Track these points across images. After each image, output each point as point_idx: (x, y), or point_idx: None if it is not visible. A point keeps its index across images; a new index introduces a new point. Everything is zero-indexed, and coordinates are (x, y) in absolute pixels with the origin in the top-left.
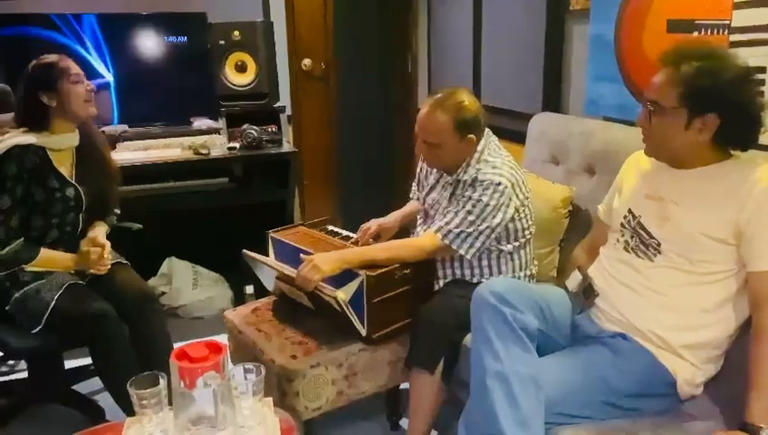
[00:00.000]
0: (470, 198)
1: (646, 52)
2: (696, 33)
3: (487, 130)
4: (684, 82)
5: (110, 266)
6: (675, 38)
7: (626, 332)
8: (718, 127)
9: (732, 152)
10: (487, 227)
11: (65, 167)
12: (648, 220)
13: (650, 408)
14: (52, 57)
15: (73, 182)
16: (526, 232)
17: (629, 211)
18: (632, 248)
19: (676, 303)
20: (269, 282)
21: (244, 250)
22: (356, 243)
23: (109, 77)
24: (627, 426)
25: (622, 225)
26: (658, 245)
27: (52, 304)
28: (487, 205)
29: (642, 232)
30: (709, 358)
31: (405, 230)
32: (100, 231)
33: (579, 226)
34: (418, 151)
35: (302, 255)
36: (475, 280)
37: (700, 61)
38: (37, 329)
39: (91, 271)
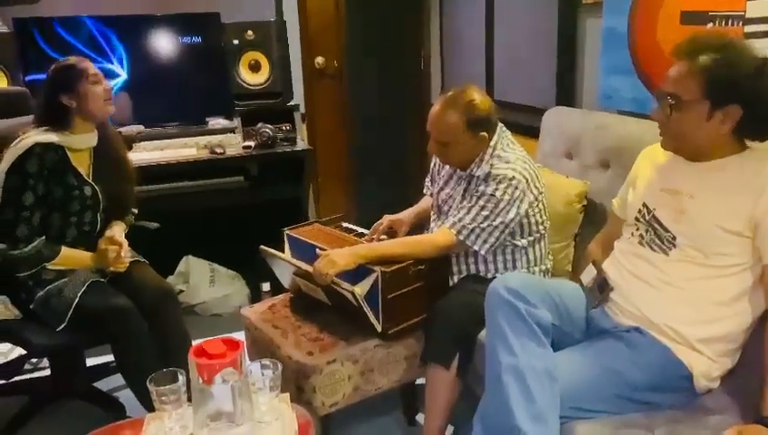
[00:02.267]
0: (484, 193)
1: (660, 44)
2: (710, 25)
3: (500, 125)
4: (704, 73)
5: (128, 265)
6: (689, 30)
7: (641, 326)
8: (739, 118)
9: (748, 144)
10: (501, 223)
11: (83, 166)
12: (662, 214)
13: (666, 402)
14: (71, 59)
15: (90, 181)
16: (540, 227)
17: (644, 205)
18: (647, 242)
19: (692, 296)
20: (285, 278)
21: (262, 246)
22: (370, 241)
23: (123, 74)
24: (643, 420)
25: (637, 219)
26: (673, 238)
27: (76, 301)
28: (501, 200)
29: (657, 225)
30: (725, 351)
31: (419, 226)
32: (117, 230)
33: (593, 220)
34: (431, 150)
35: (317, 250)
36: (489, 275)
37: (717, 52)
38: (61, 326)
39: (110, 269)
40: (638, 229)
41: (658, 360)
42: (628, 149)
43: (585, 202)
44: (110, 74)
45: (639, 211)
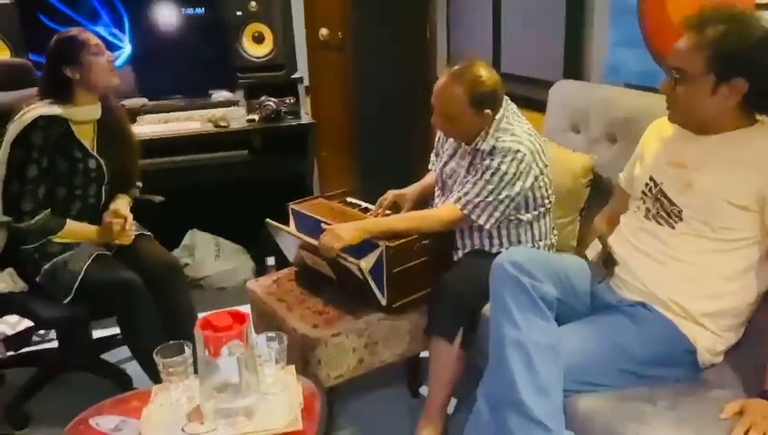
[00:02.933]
0: (489, 166)
1: (670, 16)
2: None
3: (506, 97)
4: (710, 46)
5: (133, 237)
6: (700, 1)
7: (646, 300)
8: (746, 92)
9: (758, 117)
10: (507, 197)
11: (87, 139)
12: (669, 187)
13: (670, 376)
14: (72, 31)
15: (95, 154)
16: (546, 201)
17: (651, 178)
18: (653, 216)
19: (698, 270)
20: (291, 252)
21: (268, 220)
22: (375, 216)
23: (127, 47)
24: (645, 393)
25: (643, 192)
26: (680, 212)
27: (81, 274)
28: (506, 173)
29: (663, 199)
30: (730, 326)
31: (424, 201)
32: (122, 203)
33: (600, 195)
34: (434, 123)
35: (322, 224)
36: (494, 250)
37: (726, 24)
38: (68, 299)
39: (116, 242)
40: (644, 203)
41: (663, 334)
42: (636, 123)
43: (591, 176)
44: (113, 47)
45: (646, 185)
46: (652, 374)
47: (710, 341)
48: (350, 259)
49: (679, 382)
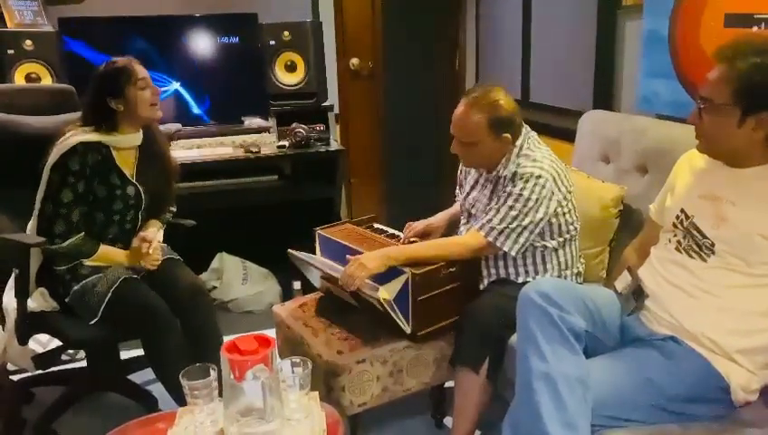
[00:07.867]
0: (511, 193)
1: (702, 47)
2: (755, 28)
3: (526, 125)
4: (738, 78)
5: (160, 261)
6: (733, 33)
7: (677, 334)
8: None
9: None
10: (530, 222)
11: (127, 165)
12: (701, 220)
13: (702, 413)
14: (120, 61)
15: (134, 181)
16: (571, 228)
17: (682, 211)
18: (684, 249)
19: (731, 305)
20: (315, 279)
21: (290, 250)
22: (402, 243)
23: (174, 85)
24: (677, 431)
25: (674, 225)
26: (712, 245)
27: (108, 296)
28: (529, 199)
29: (695, 232)
30: (765, 364)
31: (452, 230)
32: (151, 229)
33: (630, 226)
34: (454, 150)
35: (348, 255)
36: (520, 280)
37: (757, 57)
38: (94, 321)
39: (143, 265)
40: (675, 236)
41: (695, 370)
42: (667, 154)
43: (621, 207)
44: (158, 82)
45: (677, 217)
46: (684, 411)
47: (744, 378)
48: (370, 293)
49: (712, 420)
